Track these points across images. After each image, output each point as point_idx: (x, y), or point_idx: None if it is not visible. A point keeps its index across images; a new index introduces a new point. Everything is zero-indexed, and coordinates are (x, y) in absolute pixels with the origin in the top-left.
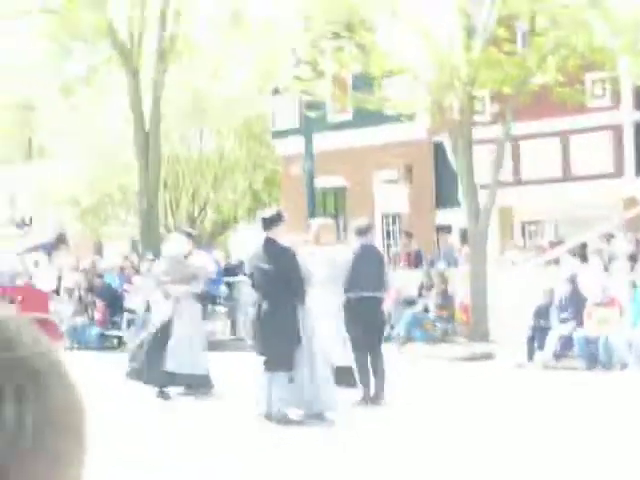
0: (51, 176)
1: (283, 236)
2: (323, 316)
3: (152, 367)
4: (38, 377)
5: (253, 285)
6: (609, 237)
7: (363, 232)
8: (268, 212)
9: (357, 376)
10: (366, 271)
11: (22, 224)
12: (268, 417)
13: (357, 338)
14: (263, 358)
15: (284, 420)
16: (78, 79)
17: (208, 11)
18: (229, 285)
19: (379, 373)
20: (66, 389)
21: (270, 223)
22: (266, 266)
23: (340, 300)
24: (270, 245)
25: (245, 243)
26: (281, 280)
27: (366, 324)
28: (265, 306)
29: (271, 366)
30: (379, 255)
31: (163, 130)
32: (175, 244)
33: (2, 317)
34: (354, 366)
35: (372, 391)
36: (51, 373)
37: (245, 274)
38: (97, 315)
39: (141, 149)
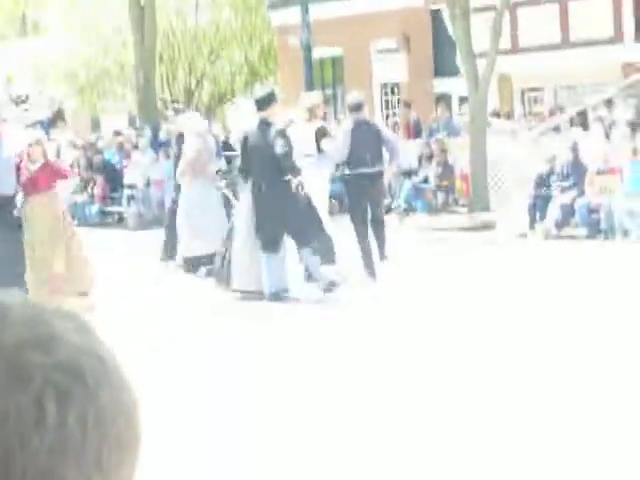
0: (47, 52)
1: (278, 114)
2: (311, 191)
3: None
4: (83, 378)
5: (242, 168)
6: (609, 104)
7: (356, 108)
8: (261, 91)
9: (359, 250)
10: (362, 147)
11: (20, 101)
12: (268, 297)
13: (357, 213)
14: (261, 239)
15: (282, 299)
16: None
17: None
18: (227, 159)
19: (381, 245)
20: (115, 389)
21: (264, 103)
22: (261, 148)
23: (329, 175)
24: (264, 127)
25: (243, 116)
26: (275, 162)
27: (366, 199)
28: (260, 188)
29: (268, 247)
30: (375, 129)
31: (158, 3)
32: (197, 120)
33: (44, 310)
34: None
35: (374, 264)
36: (98, 372)
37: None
38: (97, 191)
39: (136, 23)
